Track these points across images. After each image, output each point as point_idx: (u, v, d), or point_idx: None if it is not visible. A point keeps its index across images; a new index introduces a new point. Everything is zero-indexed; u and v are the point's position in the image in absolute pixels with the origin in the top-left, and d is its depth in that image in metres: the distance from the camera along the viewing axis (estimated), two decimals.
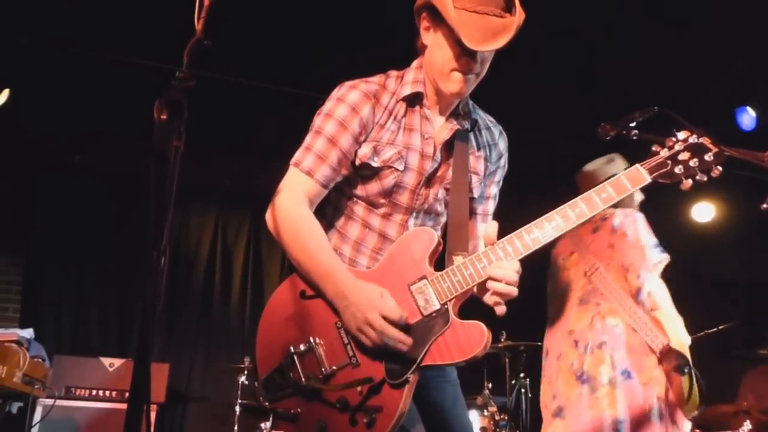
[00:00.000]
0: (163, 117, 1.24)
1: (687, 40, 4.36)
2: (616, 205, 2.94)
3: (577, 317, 2.93)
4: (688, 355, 2.73)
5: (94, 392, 4.56)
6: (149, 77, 4.62)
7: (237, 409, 4.79)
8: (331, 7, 4.24)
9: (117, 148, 5.60)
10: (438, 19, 1.79)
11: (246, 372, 4.87)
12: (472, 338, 1.65)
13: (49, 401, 4.24)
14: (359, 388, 1.68)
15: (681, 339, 2.76)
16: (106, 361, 4.72)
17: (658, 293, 2.83)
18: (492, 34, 1.70)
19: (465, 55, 1.76)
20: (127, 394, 4.58)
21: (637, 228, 2.93)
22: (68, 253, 5.60)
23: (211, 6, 1.52)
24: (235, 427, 4.77)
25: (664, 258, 2.91)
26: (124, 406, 4.51)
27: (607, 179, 3.00)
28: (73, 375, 4.54)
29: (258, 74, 4.89)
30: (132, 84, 4.76)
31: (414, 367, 1.66)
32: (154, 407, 4.62)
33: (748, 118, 4.69)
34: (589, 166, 3.15)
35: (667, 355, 2.70)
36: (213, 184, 6.06)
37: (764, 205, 2.01)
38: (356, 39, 4.39)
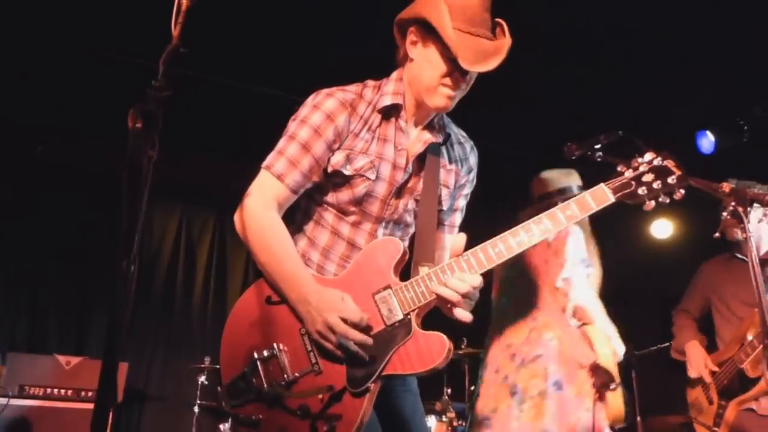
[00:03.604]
0: (138, 126, 1.24)
1: (652, 67, 4.51)
2: None
3: (515, 331, 2.99)
4: (615, 370, 2.82)
5: (49, 391, 4.45)
6: (116, 71, 4.57)
7: (196, 409, 4.74)
8: (304, 9, 4.25)
9: (79, 143, 5.49)
10: (429, 34, 1.82)
11: (206, 372, 4.83)
12: (434, 349, 1.67)
13: (2, 400, 4.13)
14: (320, 396, 1.69)
15: (608, 355, 2.84)
16: (63, 359, 4.62)
17: (589, 307, 2.90)
18: (484, 56, 1.75)
19: (456, 73, 1.80)
20: (83, 393, 4.51)
21: (569, 243, 2.97)
22: (25, 248, 5.45)
23: (188, 10, 1.52)
24: (193, 429, 4.72)
25: (590, 272, 2.97)
26: (79, 405, 4.48)
27: (558, 189, 3.13)
28: (28, 373, 4.43)
29: (228, 72, 4.86)
30: (97, 78, 4.70)
31: (375, 376, 1.68)
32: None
33: (707, 142, 4.85)
34: (547, 174, 3.20)
35: (595, 371, 2.79)
36: (178, 180, 5.98)
37: (716, 234, 2.10)
38: (329, 44, 4.41)
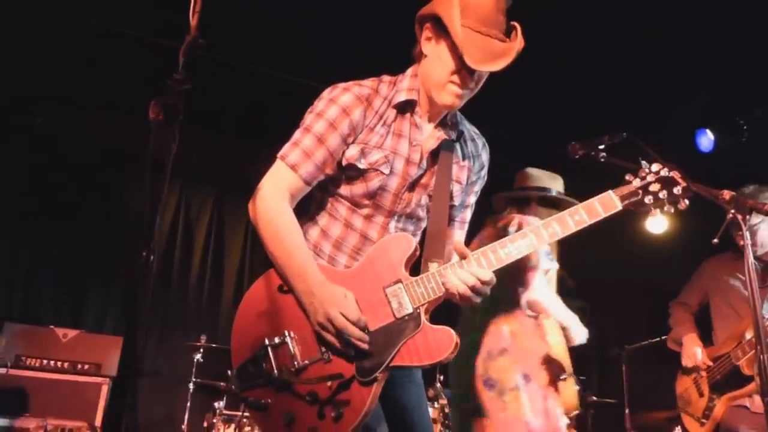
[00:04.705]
0: (160, 118, 1.25)
1: (653, 66, 4.54)
2: (519, 209, 3.11)
3: (481, 322, 3.04)
4: (566, 360, 2.90)
5: (45, 362, 4.50)
6: (118, 45, 4.55)
7: (190, 386, 4.79)
8: None
9: (77, 115, 5.45)
10: (441, 31, 1.84)
11: (202, 350, 4.86)
12: (441, 343, 1.73)
13: (1, 370, 4.18)
14: (329, 383, 1.74)
15: (558, 345, 2.92)
16: (60, 331, 4.66)
17: (545, 299, 2.96)
18: (492, 56, 1.78)
19: (464, 71, 1.83)
20: (79, 366, 4.56)
21: None
22: (22, 220, 5.43)
23: None
24: (188, 404, 4.77)
25: (552, 266, 3.02)
26: (75, 377, 4.52)
27: (538, 187, 3.16)
28: (25, 344, 4.47)
29: (234, 53, 4.83)
30: (100, 51, 4.66)
31: (384, 366, 1.73)
32: (107, 381, 4.59)
33: (706, 140, 4.88)
34: (533, 171, 3.21)
35: (547, 362, 2.88)
36: (179, 160, 5.94)
37: (715, 240, 2.14)
38: (339, 30, 4.40)
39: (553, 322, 2.97)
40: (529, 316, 2.98)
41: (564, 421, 2.87)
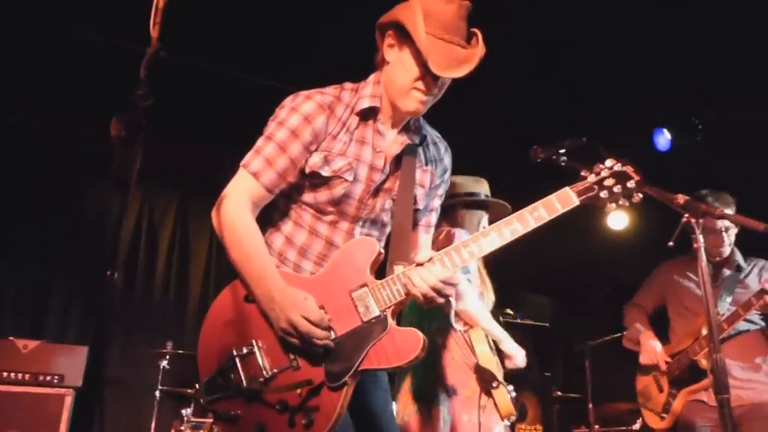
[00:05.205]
0: (122, 135, 1.23)
1: (612, 66, 4.65)
2: (454, 223, 3.19)
3: None
4: (494, 368, 2.98)
5: (5, 375, 4.37)
6: (84, 46, 4.46)
7: (157, 394, 4.73)
8: None
9: (41, 119, 5.32)
10: (405, 38, 1.87)
11: (168, 357, 4.80)
12: (409, 344, 1.75)
13: None
14: (299, 390, 1.74)
15: (485, 354, 2.99)
16: (20, 342, 4.53)
17: (474, 311, 3.02)
18: (457, 62, 1.81)
19: (428, 78, 1.85)
20: (40, 378, 4.44)
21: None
22: None
23: (165, 8, 1.52)
24: (155, 412, 4.71)
25: (470, 277, 3.08)
26: (37, 389, 4.41)
27: (467, 192, 3.23)
28: None
29: (194, 54, 4.77)
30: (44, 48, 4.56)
31: (353, 370, 1.74)
32: (70, 392, 4.49)
33: (663, 139, 5.02)
34: (457, 178, 3.27)
35: (477, 372, 2.95)
36: (142, 162, 5.85)
37: (670, 243, 2.21)
38: (295, 34, 4.39)
39: (479, 332, 3.03)
40: (458, 330, 3.02)
41: (498, 429, 2.92)
